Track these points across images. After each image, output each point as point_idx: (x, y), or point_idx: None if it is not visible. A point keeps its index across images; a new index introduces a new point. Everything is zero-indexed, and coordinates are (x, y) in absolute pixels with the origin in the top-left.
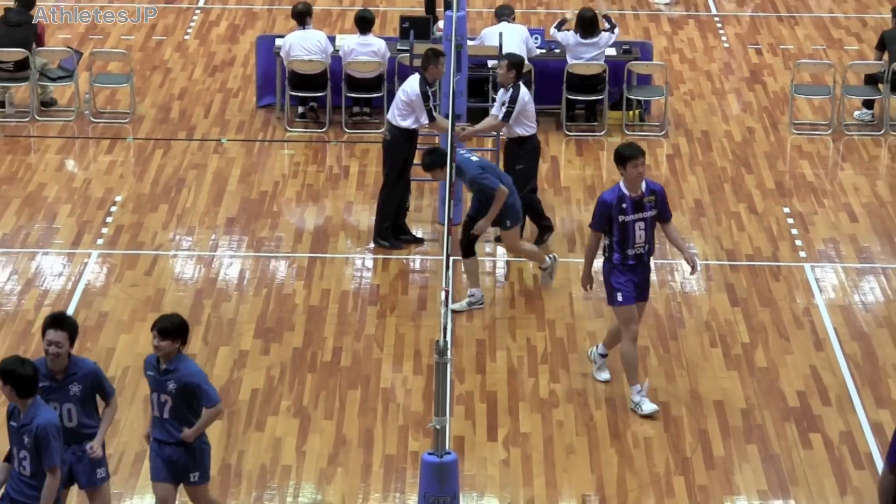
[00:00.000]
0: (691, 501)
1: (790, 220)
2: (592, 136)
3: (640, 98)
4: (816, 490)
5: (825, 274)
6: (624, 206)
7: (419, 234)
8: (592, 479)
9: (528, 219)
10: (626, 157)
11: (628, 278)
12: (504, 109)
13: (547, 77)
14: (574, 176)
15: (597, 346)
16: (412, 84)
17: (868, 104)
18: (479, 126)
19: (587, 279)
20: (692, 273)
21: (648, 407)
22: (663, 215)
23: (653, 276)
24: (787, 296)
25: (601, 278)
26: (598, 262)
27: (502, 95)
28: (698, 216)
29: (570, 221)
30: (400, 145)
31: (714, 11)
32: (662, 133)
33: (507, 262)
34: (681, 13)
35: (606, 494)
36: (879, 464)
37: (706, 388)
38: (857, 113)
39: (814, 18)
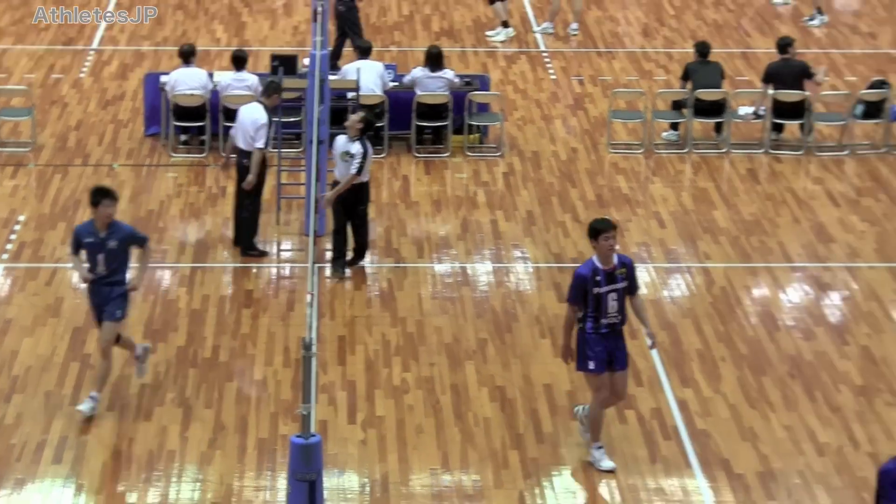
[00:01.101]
0: (524, 471)
1: None
2: (438, 157)
3: (479, 123)
4: (631, 459)
5: (639, 273)
6: (598, 278)
7: (286, 245)
8: (438, 455)
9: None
10: (599, 230)
11: (602, 347)
12: (357, 165)
13: (399, 106)
14: (423, 192)
15: (583, 407)
16: (259, 111)
17: (674, 126)
18: (338, 187)
19: (566, 351)
20: (651, 348)
21: (607, 464)
22: (632, 287)
23: (491, 278)
24: None
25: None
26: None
27: (351, 148)
28: (530, 225)
29: (419, 230)
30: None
31: (542, 48)
32: (499, 154)
33: (363, 268)
34: (514, 50)
35: (451, 468)
36: (685, 435)
37: (537, 374)
38: (664, 134)
39: (627, 53)
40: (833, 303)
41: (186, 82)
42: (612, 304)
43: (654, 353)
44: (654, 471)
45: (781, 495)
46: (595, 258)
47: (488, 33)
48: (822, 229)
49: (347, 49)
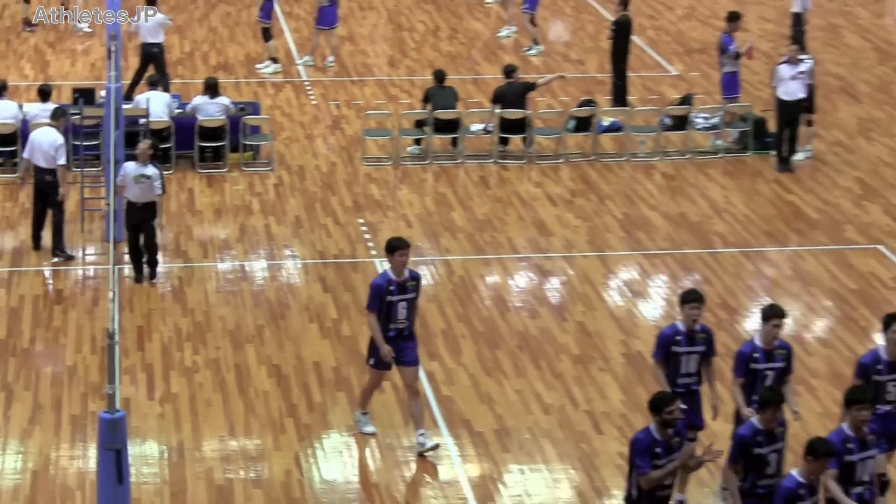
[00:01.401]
0: (298, 435)
1: (364, 228)
2: (218, 172)
3: (252, 143)
4: (388, 422)
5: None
6: (391, 288)
7: (91, 250)
8: (226, 424)
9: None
10: (395, 247)
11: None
12: (160, 185)
13: (184, 129)
14: (206, 202)
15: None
16: (54, 133)
17: (417, 142)
18: (161, 213)
19: (384, 352)
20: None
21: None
22: (416, 297)
23: (266, 273)
24: (364, 282)
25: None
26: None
27: (146, 171)
28: (297, 228)
29: (203, 235)
30: (58, 183)
31: (304, 78)
32: (270, 168)
33: (157, 269)
34: (280, 80)
35: (237, 434)
36: (433, 401)
37: (307, 353)
38: (409, 148)
39: (377, 80)
40: (553, 287)
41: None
42: (401, 311)
43: None
44: (407, 431)
45: (514, 448)
46: (389, 271)
47: (258, 66)
48: (543, 225)
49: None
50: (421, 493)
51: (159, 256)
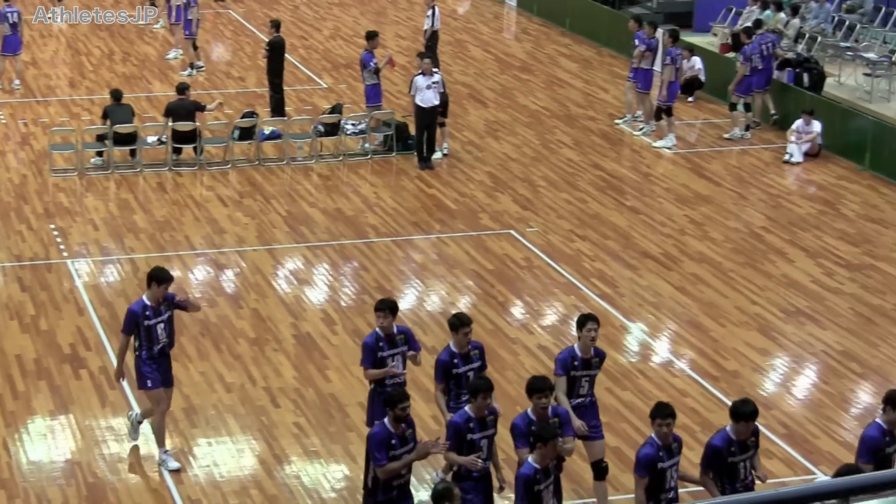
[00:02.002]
0: (4, 422)
1: (55, 233)
2: None
3: None
4: (87, 405)
5: (79, 266)
6: (147, 313)
7: None
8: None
9: None
10: (159, 278)
11: (155, 367)
12: None
13: None
14: None
15: (136, 413)
16: None
17: (100, 154)
18: None
19: (119, 372)
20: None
21: (174, 465)
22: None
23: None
24: (57, 282)
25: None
26: None
27: None
28: None
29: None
30: None
31: None
32: None
33: None
34: None
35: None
36: (127, 387)
37: (9, 347)
38: (92, 160)
39: (60, 100)
40: (229, 278)
41: None
42: (160, 333)
43: (97, 323)
44: (104, 414)
45: (202, 423)
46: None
47: None
48: (217, 224)
49: None
50: (119, 468)
51: None
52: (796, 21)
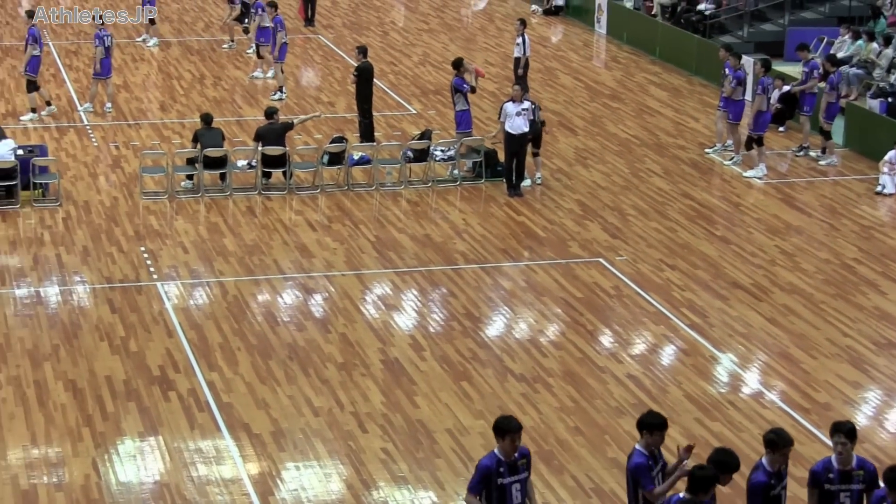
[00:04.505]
0: (94, 442)
1: (146, 255)
2: (11, 208)
3: (41, 181)
4: (175, 427)
5: (169, 288)
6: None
7: None
8: (28, 434)
9: None
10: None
11: None
12: None
13: None
14: (1, 236)
15: None
16: None
17: (190, 177)
18: None
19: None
20: None
21: None
22: None
23: (59, 298)
24: (147, 304)
25: None
26: None
27: None
28: (86, 256)
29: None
30: None
31: (86, 122)
32: (58, 204)
33: None
34: (65, 125)
35: (38, 444)
36: (214, 408)
37: (99, 368)
38: (183, 183)
39: (151, 123)
40: (317, 302)
41: None
42: (515, 494)
43: (186, 345)
44: (193, 436)
45: (289, 447)
46: (497, 451)
47: (21, 118)
48: (305, 248)
49: None
50: (207, 490)
51: None
52: (889, 51)
